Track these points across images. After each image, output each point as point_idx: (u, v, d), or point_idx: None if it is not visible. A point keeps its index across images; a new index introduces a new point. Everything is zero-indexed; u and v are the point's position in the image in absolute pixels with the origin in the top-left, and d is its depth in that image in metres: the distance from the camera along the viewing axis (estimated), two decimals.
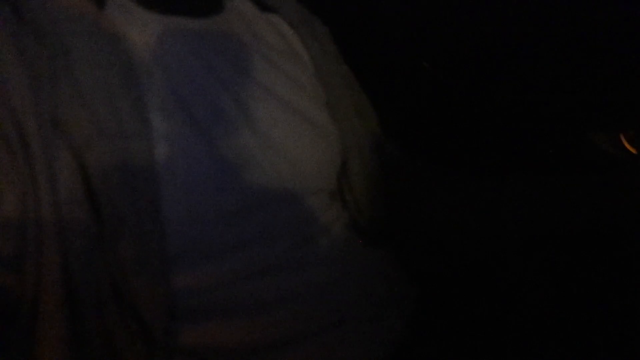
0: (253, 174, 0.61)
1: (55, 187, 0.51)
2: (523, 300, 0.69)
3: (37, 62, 0.52)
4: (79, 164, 0.52)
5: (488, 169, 0.78)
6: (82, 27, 0.56)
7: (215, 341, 0.58)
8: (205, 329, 0.57)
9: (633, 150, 0.73)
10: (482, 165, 0.83)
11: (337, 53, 0.78)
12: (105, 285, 0.52)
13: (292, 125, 0.66)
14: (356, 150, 0.72)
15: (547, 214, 0.65)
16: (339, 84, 0.74)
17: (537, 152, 0.81)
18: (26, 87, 0.51)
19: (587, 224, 0.63)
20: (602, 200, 0.62)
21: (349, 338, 0.63)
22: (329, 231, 0.67)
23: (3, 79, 0.51)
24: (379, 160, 0.75)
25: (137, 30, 0.60)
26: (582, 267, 0.67)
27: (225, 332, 0.58)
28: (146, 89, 0.56)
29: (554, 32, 0.78)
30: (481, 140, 0.87)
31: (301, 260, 0.63)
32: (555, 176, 0.66)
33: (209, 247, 0.58)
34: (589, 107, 0.71)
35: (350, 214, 0.72)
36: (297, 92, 0.69)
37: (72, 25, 0.55)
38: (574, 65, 0.75)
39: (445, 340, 0.67)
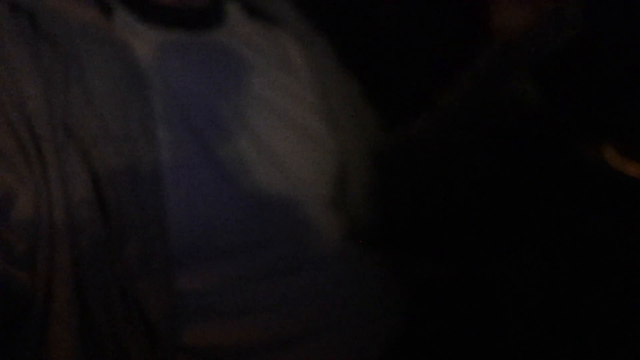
0: (250, 181, 0.63)
1: (67, 189, 0.53)
2: (518, 303, 0.70)
3: (51, 70, 0.55)
4: (88, 168, 0.54)
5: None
6: (93, 38, 0.58)
7: (217, 341, 0.59)
8: (208, 329, 0.59)
9: (618, 163, 0.74)
10: None
11: (337, 64, 0.79)
12: (112, 285, 0.54)
13: (288, 135, 0.68)
14: (355, 160, 0.73)
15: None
16: (338, 94, 0.76)
17: (524, 160, 0.82)
18: (40, 93, 0.53)
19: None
20: None
21: (345, 340, 0.64)
22: (325, 238, 0.68)
23: (19, 85, 0.53)
24: (378, 169, 0.76)
25: (139, 42, 0.62)
26: (577, 269, 0.68)
27: (227, 333, 0.59)
28: (150, 98, 0.59)
29: None
30: None
31: (297, 266, 0.64)
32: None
33: (210, 251, 0.60)
34: (575, 118, 0.73)
35: (346, 221, 0.74)
36: (294, 103, 0.71)
37: (84, 36, 0.58)
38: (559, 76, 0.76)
39: (439, 343, 0.68)
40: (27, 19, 0.56)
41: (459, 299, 0.73)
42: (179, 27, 0.66)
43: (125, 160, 0.55)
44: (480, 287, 0.74)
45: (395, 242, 0.75)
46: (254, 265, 0.62)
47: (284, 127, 0.68)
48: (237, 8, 0.75)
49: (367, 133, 0.77)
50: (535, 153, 0.72)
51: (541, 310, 0.67)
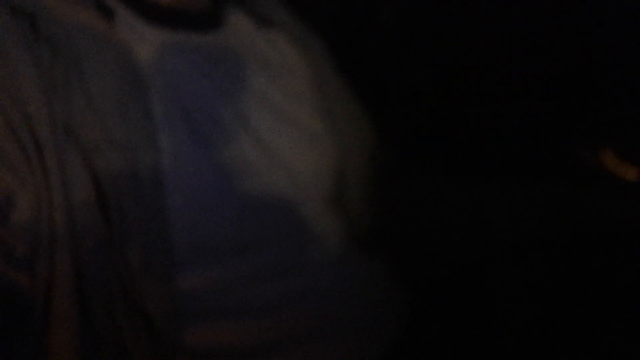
0: (251, 181, 0.63)
1: (68, 191, 0.53)
2: (517, 304, 0.71)
3: (52, 73, 0.54)
4: (90, 170, 0.54)
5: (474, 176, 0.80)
6: (94, 41, 0.58)
7: (219, 341, 0.60)
8: (209, 329, 0.59)
9: (616, 167, 0.75)
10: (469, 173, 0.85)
11: (334, 66, 0.80)
12: (114, 286, 0.54)
13: (289, 135, 0.68)
14: (354, 159, 0.74)
15: (536, 217, 0.68)
16: (336, 95, 0.76)
17: (523, 166, 0.83)
18: (41, 96, 0.53)
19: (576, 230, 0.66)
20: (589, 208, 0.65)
21: (345, 341, 0.65)
22: (325, 239, 0.69)
23: (20, 87, 0.53)
24: (376, 169, 0.77)
25: (141, 43, 0.62)
26: (575, 272, 0.69)
27: (228, 333, 0.60)
28: (150, 100, 0.59)
29: (543, 45, 0.80)
30: (469, 150, 0.89)
31: (298, 266, 0.65)
32: (540, 181, 0.68)
33: (212, 251, 0.60)
34: (572, 123, 0.73)
35: (347, 222, 0.74)
36: (294, 103, 0.71)
37: (84, 39, 0.58)
38: (558, 84, 0.77)
39: (439, 345, 0.68)
40: (27, 21, 0.56)
41: (459, 300, 0.73)
42: (178, 28, 0.66)
43: (126, 162, 0.55)
44: (480, 289, 0.75)
45: (395, 243, 0.75)
46: (255, 266, 0.62)
47: (284, 126, 0.69)
48: (236, 11, 0.75)
49: (365, 135, 0.78)
50: (534, 156, 0.72)
51: (541, 311, 0.68)
